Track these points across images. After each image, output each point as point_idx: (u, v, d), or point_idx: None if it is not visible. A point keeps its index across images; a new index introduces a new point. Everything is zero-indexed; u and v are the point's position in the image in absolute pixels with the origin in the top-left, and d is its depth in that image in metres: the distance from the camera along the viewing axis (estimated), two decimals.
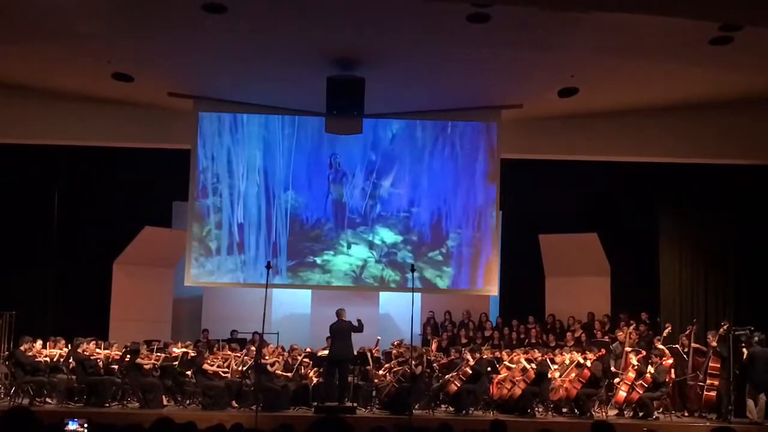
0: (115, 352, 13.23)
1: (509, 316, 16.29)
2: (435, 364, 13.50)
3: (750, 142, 14.64)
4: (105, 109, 15.02)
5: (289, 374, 13.14)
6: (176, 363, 13.11)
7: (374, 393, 13.26)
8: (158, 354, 13.06)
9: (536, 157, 15.77)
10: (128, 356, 12.85)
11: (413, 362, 12.79)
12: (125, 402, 12.96)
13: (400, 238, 15.84)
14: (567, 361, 13.00)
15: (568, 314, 15.91)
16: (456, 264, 15.79)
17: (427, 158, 15.83)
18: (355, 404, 12.78)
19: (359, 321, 12.95)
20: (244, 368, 13.05)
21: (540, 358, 13.15)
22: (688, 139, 14.90)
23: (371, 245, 15.73)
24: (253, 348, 13.30)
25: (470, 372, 12.82)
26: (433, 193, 15.85)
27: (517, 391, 12.72)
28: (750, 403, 12.55)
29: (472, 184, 15.80)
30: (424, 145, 15.82)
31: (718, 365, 12.88)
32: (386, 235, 15.80)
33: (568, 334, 15.25)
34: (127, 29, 11.97)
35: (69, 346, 13.22)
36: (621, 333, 14.22)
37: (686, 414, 13.30)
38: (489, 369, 13.11)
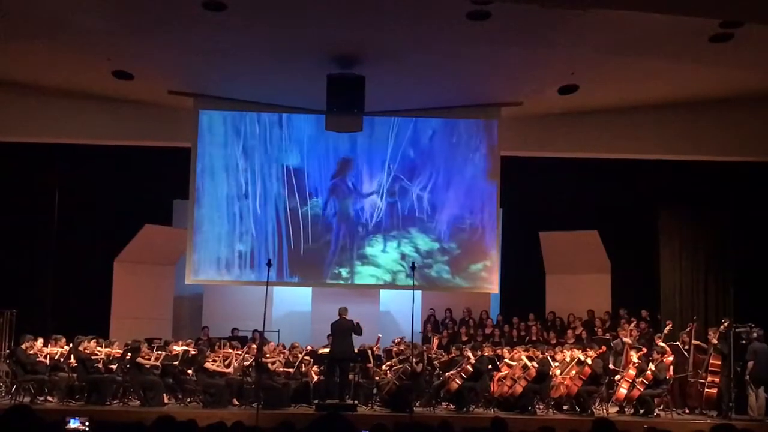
0: (116, 350, 13.23)
1: (510, 314, 16.30)
2: (436, 362, 13.50)
3: (750, 139, 14.63)
4: (105, 107, 15.01)
5: (290, 370, 13.15)
6: (176, 363, 13.11)
7: (375, 391, 13.27)
8: (159, 352, 13.06)
9: (536, 155, 15.75)
10: (129, 354, 12.86)
11: (414, 360, 12.80)
12: (126, 400, 12.97)
13: (436, 245, 15.30)
14: (568, 359, 13.00)
15: (568, 311, 15.92)
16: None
17: (460, 160, 15.42)
18: (355, 402, 12.80)
19: (358, 324, 12.91)
20: (246, 364, 13.05)
21: (541, 356, 13.15)
22: (689, 137, 14.89)
23: (403, 255, 14.99)
24: (254, 346, 13.30)
25: (471, 369, 12.82)
26: (474, 198, 15.37)
27: (518, 389, 12.72)
28: (752, 399, 12.56)
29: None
30: (461, 144, 15.39)
31: (719, 362, 12.88)
32: (422, 241, 15.27)
33: (569, 331, 15.27)
34: (127, 27, 11.96)
35: (70, 344, 13.23)
36: (623, 331, 14.22)
37: (687, 411, 13.30)
38: (490, 366, 13.11)
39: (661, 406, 13.04)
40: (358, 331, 12.89)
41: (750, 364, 12.63)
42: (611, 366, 13.38)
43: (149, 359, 12.82)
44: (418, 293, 15.59)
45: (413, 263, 13.02)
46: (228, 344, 13.80)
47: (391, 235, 15.32)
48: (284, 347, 14.03)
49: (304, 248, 15.34)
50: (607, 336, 14.64)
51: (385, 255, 15.27)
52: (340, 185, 15.45)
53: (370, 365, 13.47)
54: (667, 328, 13.86)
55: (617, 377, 13.03)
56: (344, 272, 15.41)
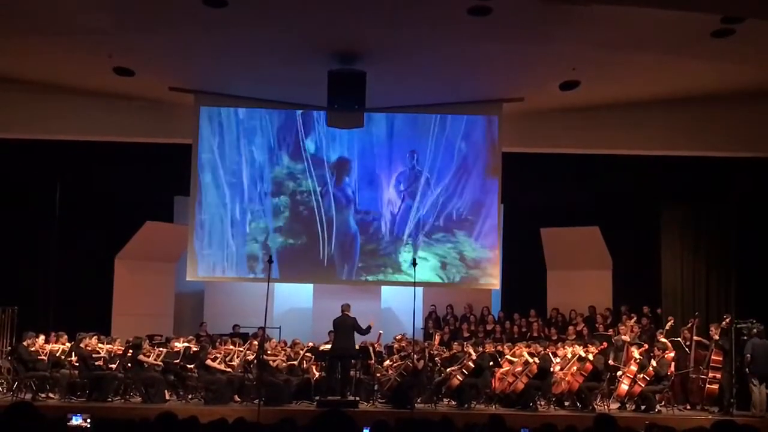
0: (118, 347, 13.25)
1: (511, 310, 16.31)
2: (437, 358, 13.50)
3: (752, 134, 14.59)
4: (106, 104, 14.98)
5: (294, 362, 13.15)
6: (177, 360, 13.11)
7: (376, 387, 13.28)
8: (160, 349, 13.07)
9: (538, 151, 15.73)
10: (130, 351, 12.87)
11: (415, 356, 12.80)
12: (128, 397, 12.98)
13: (487, 253, 14.81)
14: (569, 355, 13.01)
15: (569, 308, 15.92)
16: None
17: (467, 157, 15.16)
18: (357, 398, 12.79)
19: (369, 326, 12.87)
20: (248, 358, 13.06)
21: (542, 352, 13.15)
22: (690, 132, 14.87)
23: (443, 263, 14.27)
24: (255, 342, 13.31)
25: (472, 366, 12.83)
26: (476, 194, 15.04)
27: (520, 385, 12.73)
28: (755, 395, 12.56)
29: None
30: (469, 141, 15.08)
31: (720, 358, 12.89)
32: (467, 247, 14.73)
33: (570, 327, 15.27)
34: (128, 23, 11.94)
35: (71, 341, 13.24)
36: (624, 327, 14.21)
37: (688, 407, 13.30)
38: (491, 363, 13.12)
39: (663, 402, 13.06)
40: (366, 331, 12.87)
41: (747, 357, 12.63)
42: (612, 362, 13.39)
43: (150, 356, 12.84)
44: (420, 289, 15.52)
45: (414, 259, 13.00)
46: (229, 341, 13.81)
47: (432, 239, 14.93)
48: (285, 344, 14.03)
49: (314, 248, 15.18)
50: (611, 332, 14.65)
51: (424, 263, 14.45)
52: (338, 193, 15.21)
53: (372, 362, 13.48)
54: (669, 324, 13.87)
55: (618, 373, 13.04)
56: (371, 278, 15.21)
